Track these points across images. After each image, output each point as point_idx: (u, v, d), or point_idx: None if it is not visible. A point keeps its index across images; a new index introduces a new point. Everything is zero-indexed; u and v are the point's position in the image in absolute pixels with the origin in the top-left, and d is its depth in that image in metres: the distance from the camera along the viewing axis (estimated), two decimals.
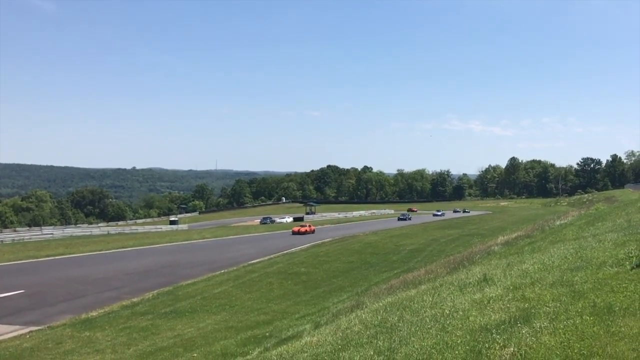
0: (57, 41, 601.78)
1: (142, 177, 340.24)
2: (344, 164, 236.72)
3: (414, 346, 5.90)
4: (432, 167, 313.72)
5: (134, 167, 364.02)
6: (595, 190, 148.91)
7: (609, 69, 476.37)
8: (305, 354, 7.38)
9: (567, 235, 18.66)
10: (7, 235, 58.21)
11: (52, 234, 62.62)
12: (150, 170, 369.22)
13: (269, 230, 65.76)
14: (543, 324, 5.57)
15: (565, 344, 4.94)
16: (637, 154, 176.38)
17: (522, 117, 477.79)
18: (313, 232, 57.35)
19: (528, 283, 7.74)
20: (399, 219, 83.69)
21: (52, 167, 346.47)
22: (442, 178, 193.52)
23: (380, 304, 10.33)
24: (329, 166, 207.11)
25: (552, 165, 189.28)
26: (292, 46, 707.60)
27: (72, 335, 16.37)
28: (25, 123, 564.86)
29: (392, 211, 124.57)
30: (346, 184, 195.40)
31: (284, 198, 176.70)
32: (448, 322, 6.58)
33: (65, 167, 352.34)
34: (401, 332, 6.80)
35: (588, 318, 5.52)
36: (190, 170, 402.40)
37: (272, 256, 36.18)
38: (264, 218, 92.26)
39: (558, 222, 29.00)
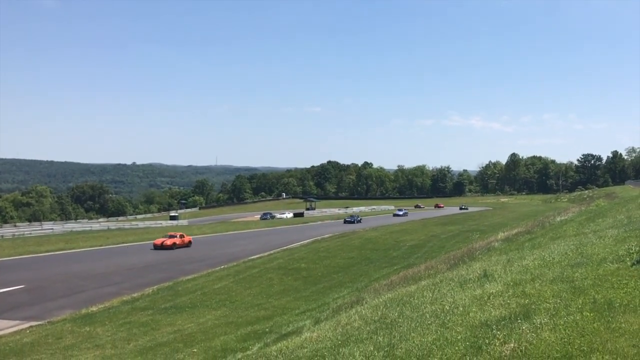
0: (57, 37, 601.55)
1: (142, 172, 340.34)
2: (344, 159, 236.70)
3: (414, 342, 5.90)
4: (433, 163, 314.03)
5: (134, 163, 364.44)
6: (596, 187, 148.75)
7: (609, 66, 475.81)
8: (305, 350, 7.38)
9: (568, 231, 18.67)
10: (8, 231, 58.24)
11: (52, 229, 62.64)
12: (150, 165, 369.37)
13: (269, 226, 65.78)
14: (543, 320, 5.57)
15: (565, 340, 4.94)
16: (638, 150, 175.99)
17: (523, 113, 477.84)
18: (188, 245, 40.93)
19: (528, 279, 7.73)
20: (394, 215, 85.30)
21: (52, 162, 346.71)
22: (442, 174, 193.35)
23: (381, 300, 10.34)
24: (329, 162, 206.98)
25: (553, 162, 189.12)
26: (293, 42, 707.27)
27: (72, 330, 16.40)
28: (25, 118, 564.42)
29: (393, 207, 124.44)
30: (346, 180, 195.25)
31: (284, 194, 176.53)
32: (448, 318, 6.57)
33: (66, 163, 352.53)
34: (401, 328, 6.80)
35: (588, 314, 5.51)
36: (190, 166, 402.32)
37: (272, 252, 36.18)
38: (264, 214, 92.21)
39: (558, 219, 29.01)
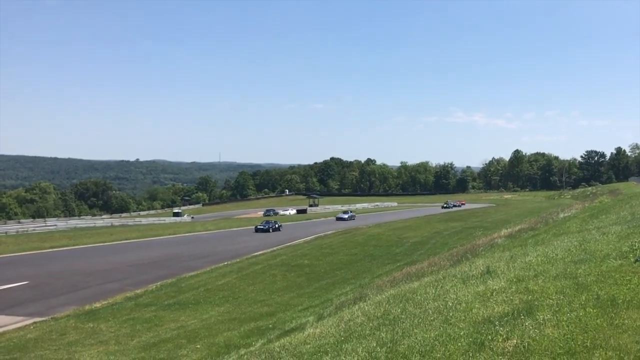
0: (60, 33, 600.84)
1: (145, 169, 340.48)
2: (348, 156, 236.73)
3: (416, 338, 5.90)
4: (436, 159, 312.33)
5: (137, 159, 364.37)
6: (599, 183, 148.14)
7: (613, 62, 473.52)
8: (308, 346, 7.40)
9: (571, 227, 18.64)
10: (11, 227, 58.39)
11: (55, 225, 62.77)
12: (153, 162, 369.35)
13: None
14: (546, 316, 5.56)
15: (568, 336, 4.93)
16: None
17: (526, 110, 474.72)
18: None
19: (531, 275, 7.72)
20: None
21: (55, 158, 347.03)
22: (445, 171, 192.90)
23: (383, 296, 10.33)
24: (332, 158, 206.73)
25: (556, 158, 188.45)
26: (296, 38, 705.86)
27: (75, 326, 16.45)
28: (29, 115, 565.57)
29: (396, 204, 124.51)
30: (349, 177, 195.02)
31: (287, 190, 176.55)
32: (451, 314, 6.57)
33: (69, 159, 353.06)
34: (404, 324, 6.80)
35: (591, 310, 5.51)
36: (194, 163, 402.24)
37: (275, 248, 36.23)
38: (267, 210, 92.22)
39: (562, 215, 28.98)
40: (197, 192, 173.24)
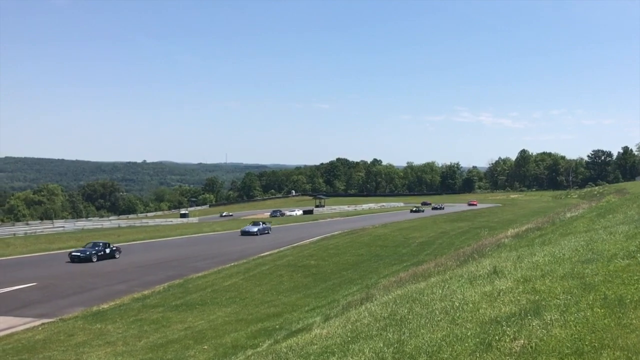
0: (67, 34, 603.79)
1: (152, 170, 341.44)
2: (354, 156, 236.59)
3: (423, 338, 5.90)
4: (442, 159, 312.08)
5: (144, 161, 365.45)
6: (606, 183, 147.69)
7: (619, 61, 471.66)
8: (315, 346, 7.41)
9: (578, 227, 18.57)
10: (20, 229, 58.64)
11: (63, 227, 62.99)
12: (160, 163, 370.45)
13: (279, 224, 65.81)
14: (554, 316, 5.55)
15: (575, 336, 4.92)
16: None
17: (533, 109, 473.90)
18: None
19: (538, 275, 7.70)
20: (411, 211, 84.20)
21: (63, 160, 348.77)
22: (451, 171, 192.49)
23: (390, 297, 10.33)
24: (338, 159, 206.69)
25: (563, 158, 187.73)
26: (301, 38, 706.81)
27: (83, 327, 16.53)
28: (36, 117, 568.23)
29: (402, 204, 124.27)
30: (355, 177, 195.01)
31: (293, 191, 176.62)
32: (458, 315, 6.56)
33: (77, 161, 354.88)
34: (411, 325, 6.80)
35: (599, 310, 5.49)
36: (200, 164, 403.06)
37: (281, 249, 36.26)
38: (273, 211, 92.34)
39: (569, 215, 28.84)
40: (204, 194, 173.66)
